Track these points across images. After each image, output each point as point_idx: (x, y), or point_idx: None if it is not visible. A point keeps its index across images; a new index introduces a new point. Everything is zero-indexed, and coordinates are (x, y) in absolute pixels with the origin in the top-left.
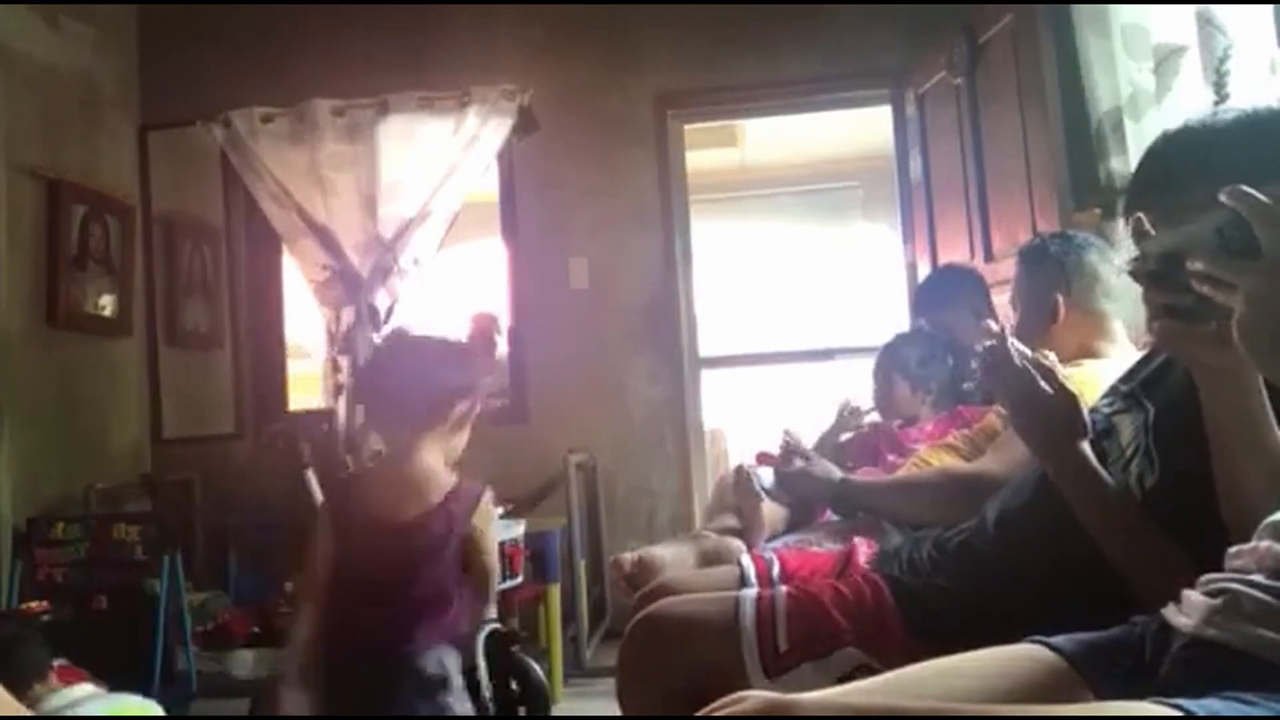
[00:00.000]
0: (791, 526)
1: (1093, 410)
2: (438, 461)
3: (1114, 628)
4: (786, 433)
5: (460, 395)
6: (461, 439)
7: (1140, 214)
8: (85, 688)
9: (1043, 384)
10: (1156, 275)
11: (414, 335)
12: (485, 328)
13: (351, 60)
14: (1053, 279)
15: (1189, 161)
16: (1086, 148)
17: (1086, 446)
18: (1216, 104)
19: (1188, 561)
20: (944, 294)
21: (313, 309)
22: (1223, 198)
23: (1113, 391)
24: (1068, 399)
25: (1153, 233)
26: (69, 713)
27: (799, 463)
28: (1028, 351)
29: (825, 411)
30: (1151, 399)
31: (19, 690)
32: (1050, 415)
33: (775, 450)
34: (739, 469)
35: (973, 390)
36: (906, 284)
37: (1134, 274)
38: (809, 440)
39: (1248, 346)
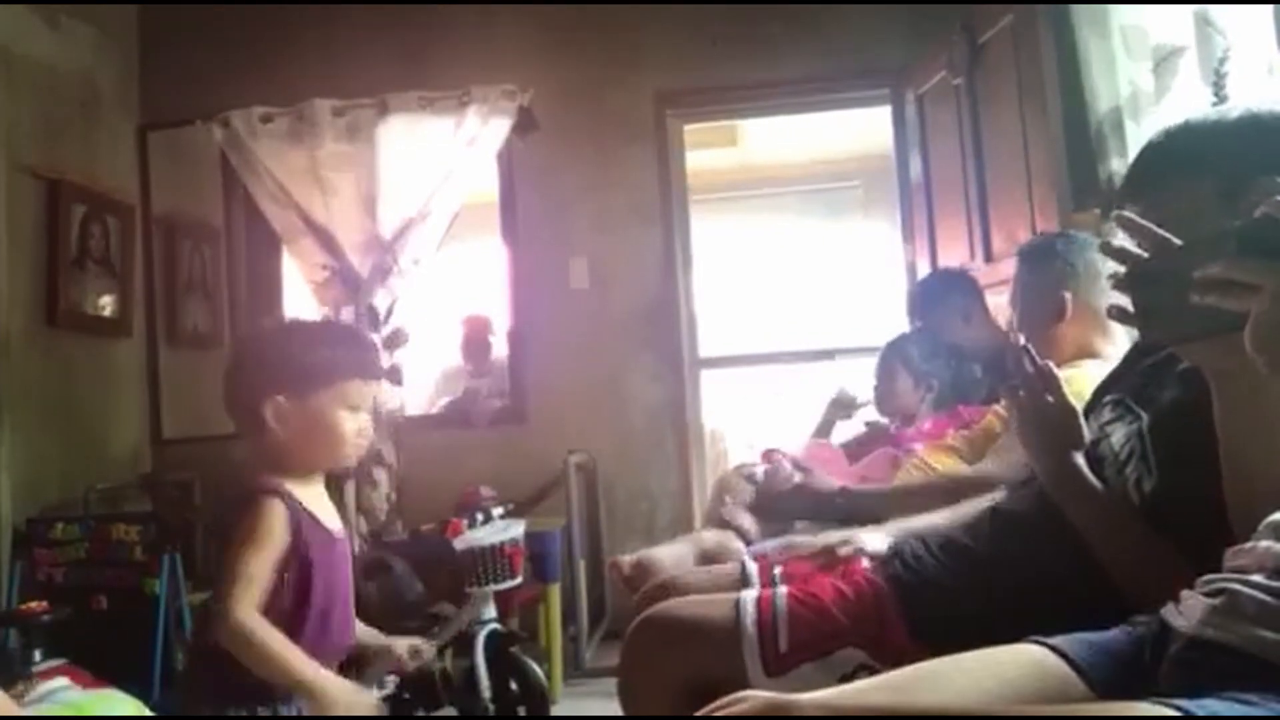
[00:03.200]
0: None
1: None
2: (259, 464)
3: (1114, 628)
4: (773, 453)
5: (262, 391)
6: (315, 438)
7: (1130, 206)
8: (60, 680)
9: (1047, 395)
10: (1149, 277)
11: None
12: (478, 330)
13: (351, 60)
14: (1061, 276)
15: (1189, 156)
16: (1086, 148)
17: (1080, 456)
18: (1215, 105)
19: (1182, 563)
20: (934, 297)
21: (312, 309)
22: (1260, 212)
23: (1100, 405)
24: (1067, 411)
25: (1147, 224)
26: (45, 703)
27: (797, 477)
28: (1038, 360)
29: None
30: (1143, 405)
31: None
32: (1051, 424)
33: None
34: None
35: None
36: (906, 284)
37: (1129, 275)
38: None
39: (1263, 346)
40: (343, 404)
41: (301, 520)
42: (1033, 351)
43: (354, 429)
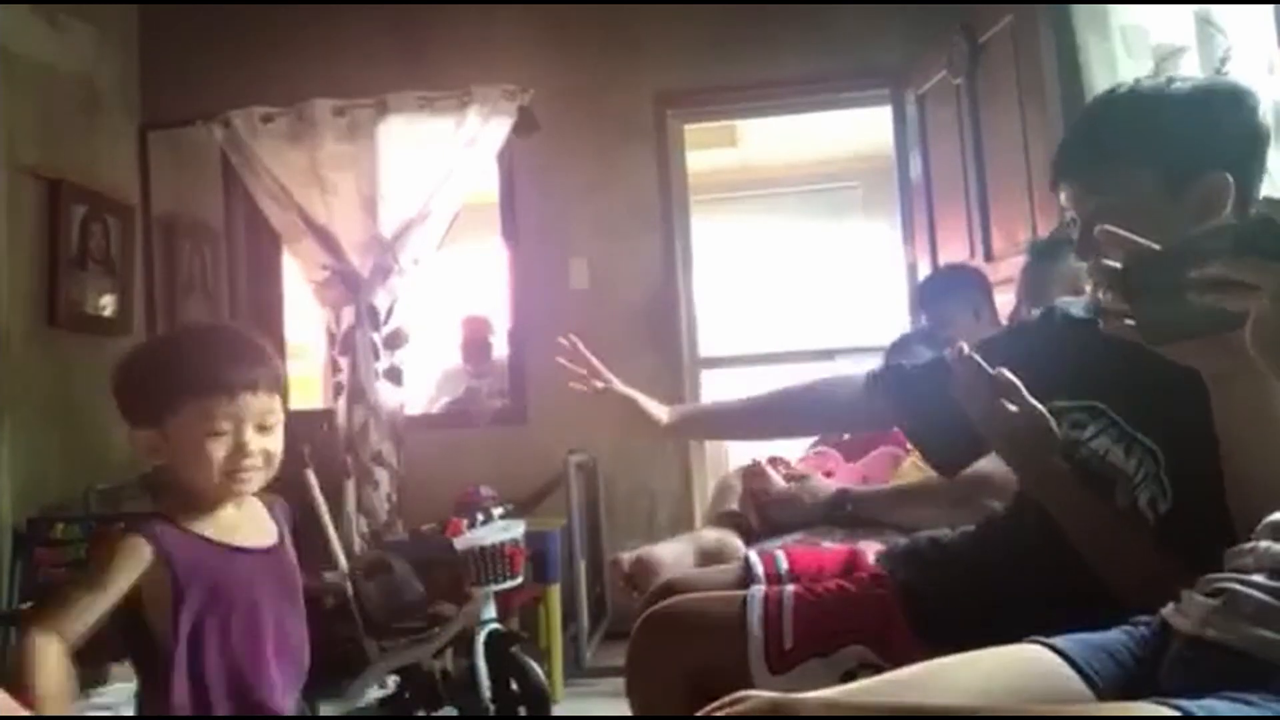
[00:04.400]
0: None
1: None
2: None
3: (1114, 628)
4: (764, 464)
5: (129, 422)
6: (192, 463)
7: (1064, 186)
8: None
9: (1006, 403)
10: (1142, 280)
11: None
12: (478, 330)
13: (351, 60)
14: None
15: (1126, 139)
16: None
17: (1060, 460)
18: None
19: (1177, 566)
20: (945, 291)
21: (313, 309)
22: (1256, 211)
23: (1069, 409)
24: (1035, 417)
25: (1129, 236)
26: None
27: (785, 486)
28: (990, 370)
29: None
30: (1140, 420)
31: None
32: (1019, 433)
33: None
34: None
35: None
36: (906, 284)
37: (1123, 279)
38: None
39: (1265, 347)
40: (201, 427)
41: (177, 551)
42: (978, 359)
43: (221, 455)
